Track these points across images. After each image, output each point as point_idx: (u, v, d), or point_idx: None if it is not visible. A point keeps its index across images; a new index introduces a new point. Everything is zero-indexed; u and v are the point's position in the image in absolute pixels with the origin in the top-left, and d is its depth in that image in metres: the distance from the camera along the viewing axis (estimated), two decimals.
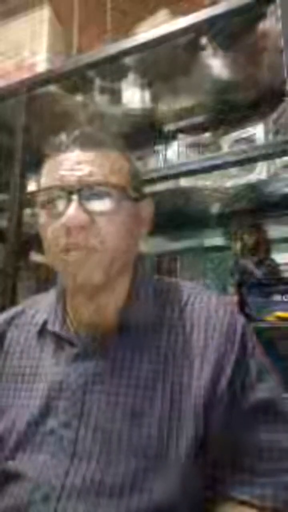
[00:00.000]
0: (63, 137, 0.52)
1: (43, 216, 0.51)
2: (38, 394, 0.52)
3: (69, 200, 0.48)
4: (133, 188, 0.53)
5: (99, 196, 0.49)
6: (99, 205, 0.49)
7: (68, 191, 0.48)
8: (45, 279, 1.34)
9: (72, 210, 0.47)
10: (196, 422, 0.46)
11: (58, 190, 0.49)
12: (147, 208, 0.57)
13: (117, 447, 0.45)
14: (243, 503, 0.43)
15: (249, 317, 0.91)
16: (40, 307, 0.61)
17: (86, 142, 0.51)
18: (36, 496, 0.45)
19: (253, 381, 0.48)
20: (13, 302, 0.93)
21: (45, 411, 0.50)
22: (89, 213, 0.48)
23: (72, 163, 0.49)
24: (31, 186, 1.16)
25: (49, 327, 0.55)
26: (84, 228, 0.47)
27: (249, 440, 0.45)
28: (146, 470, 0.44)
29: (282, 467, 0.44)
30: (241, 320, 0.53)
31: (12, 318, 0.62)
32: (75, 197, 0.48)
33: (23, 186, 1.07)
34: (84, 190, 0.48)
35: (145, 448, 0.45)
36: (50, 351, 0.55)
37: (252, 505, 0.42)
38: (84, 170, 0.49)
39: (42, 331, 0.57)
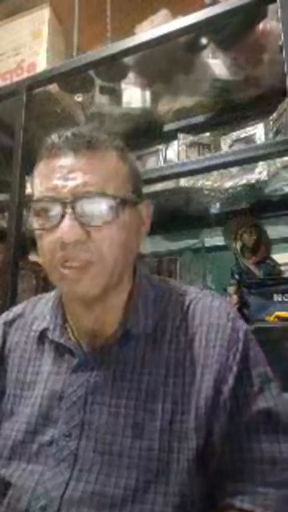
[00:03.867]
0: (55, 138, 0.49)
1: (38, 225, 0.49)
2: (36, 402, 0.51)
3: (63, 213, 0.45)
4: (132, 191, 0.51)
5: (95, 207, 0.46)
6: (95, 217, 0.46)
7: (62, 203, 0.46)
8: (45, 278, 1.34)
9: (66, 224, 0.45)
10: (198, 433, 0.45)
11: (51, 201, 0.47)
12: (146, 209, 0.56)
13: (118, 459, 0.45)
14: (244, 511, 0.42)
15: (249, 317, 0.91)
16: (39, 312, 0.60)
17: (80, 145, 0.47)
18: (35, 507, 0.44)
19: (255, 391, 0.47)
20: (13, 302, 0.94)
21: (44, 421, 0.49)
22: (84, 227, 0.46)
23: (65, 171, 0.46)
24: (27, 188, 1.16)
25: (50, 335, 0.54)
26: (80, 242, 0.46)
27: (251, 450, 0.45)
28: (148, 481, 0.43)
29: (284, 478, 0.43)
30: (243, 327, 0.51)
31: (13, 320, 0.61)
32: (69, 210, 0.45)
33: (23, 186, 1.07)
34: (78, 202, 0.46)
35: (146, 459, 0.44)
36: (50, 360, 0.54)
37: None
38: (77, 179, 0.46)
39: (42, 338, 0.56)
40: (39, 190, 0.49)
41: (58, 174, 0.47)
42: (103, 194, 0.46)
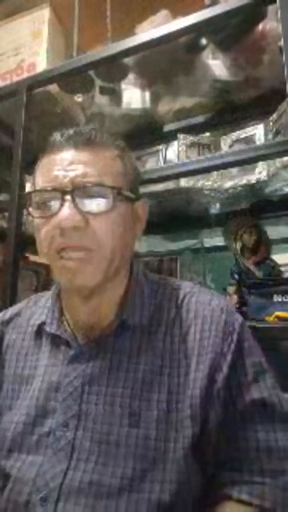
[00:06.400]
0: (57, 136, 0.52)
1: (37, 217, 0.50)
2: (34, 395, 0.52)
3: (63, 201, 0.48)
4: (128, 189, 0.53)
5: (93, 196, 0.49)
6: (93, 206, 0.48)
7: (61, 191, 0.48)
8: (44, 279, 1.34)
9: (65, 211, 0.47)
10: (193, 421, 0.46)
11: (52, 191, 0.49)
12: (142, 208, 0.57)
13: (115, 448, 0.45)
14: (242, 502, 0.43)
15: (249, 317, 0.91)
16: (36, 309, 0.61)
17: (80, 141, 0.50)
18: (35, 498, 0.44)
19: (250, 380, 0.48)
20: (13, 302, 0.94)
21: (42, 412, 0.50)
22: (83, 214, 0.48)
23: (66, 163, 0.49)
24: (27, 186, 1.16)
25: (47, 328, 0.55)
26: (78, 229, 0.47)
27: (246, 439, 0.45)
28: (144, 470, 0.44)
29: (281, 467, 0.44)
30: (238, 319, 0.53)
31: (10, 319, 0.62)
32: (68, 197, 0.48)
33: (23, 186, 1.07)
34: (77, 191, 0.48)
35: (143, 448, 0.45)
36: (47, 353, 0.55)
37: (250, 505, 0.42)
38: (78, 170, 0.48)
39: (39, 333, 0.57)
40: (40, 184, 0.51)
41: (59, 166, 0.49)
42: (101, 185, 0.49)
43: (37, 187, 0.51)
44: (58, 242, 0.48)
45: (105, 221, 0.49)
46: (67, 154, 0.50)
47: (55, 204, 0.49)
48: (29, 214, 0.52)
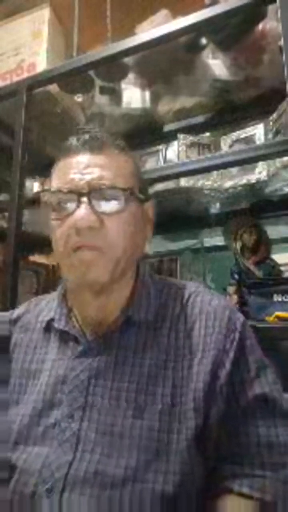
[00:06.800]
0: (73, 140, 0.54)
1: (53, 218, 0.52)
2: (41, 389, 0.53)
3: (79, 203, 0.49)
4: (139, 190, 0.55)
5: (108, 198, 0.51)
6: (108, 207, 0.50)
7: (78, 193, 0.50)
8: (44, 280, 1.34)
9: (82, 212, 0.49)
10: (196, 413, 0.46)
11: (68, 192, 0.50)
12: (151, 209, 0.59)
13: (119, 440, 0.46)
14: (243, 495, 0.43)
15: (249, 317, 0.91)
16: (44, 307, 0.62)
17: (96, 146, 0.52)
18: (41, 489, 0.45)
19: (252, 377, 0.49)
20: (13, 303, 0.94)
21: (49, 405, 0.51)
22: (98, 214, 0.50)
23: (82, 167, 0.51)
24: (35, 186, 1.16)
25: (55, 325, 0.56)
26: (93, 229, 0.49)
27: (247, 434, 0.46)
28: (148, 460, 0.44)
29: (281, 461, 0.44)
30: (240, 318, 0.54)
31: (18, 317, 0.63)
32: (85, 199, 0.49)
33: (23, 186, 1.07)
34: (93, 193, 0.50)
35: (147, 439, 0.45)
36: (55, 348, 0.56)
37: (251, 498, 0.43)
38: (94, 173, 0.50)
39: (48, 329, 0.58)
40: (56, 186, 0.53)
41: (75, 170, 0.51)
42: (115, 187, 0.51)
43: (53, 189, 0.53)
44: (74, 240, 0.50)
45: (117, 220, 0.51)
46: (83, 158, 0.52)
47: (71, 205, 0.50)
48: (43, 215, 0.53)
